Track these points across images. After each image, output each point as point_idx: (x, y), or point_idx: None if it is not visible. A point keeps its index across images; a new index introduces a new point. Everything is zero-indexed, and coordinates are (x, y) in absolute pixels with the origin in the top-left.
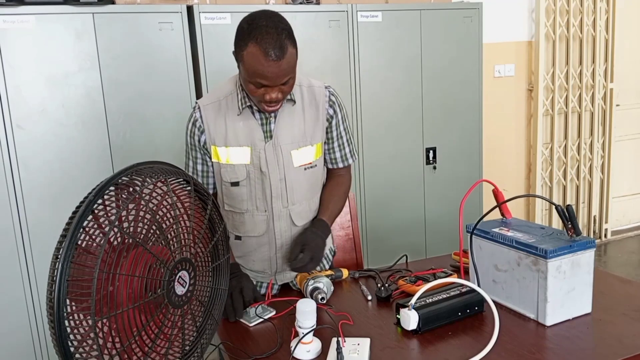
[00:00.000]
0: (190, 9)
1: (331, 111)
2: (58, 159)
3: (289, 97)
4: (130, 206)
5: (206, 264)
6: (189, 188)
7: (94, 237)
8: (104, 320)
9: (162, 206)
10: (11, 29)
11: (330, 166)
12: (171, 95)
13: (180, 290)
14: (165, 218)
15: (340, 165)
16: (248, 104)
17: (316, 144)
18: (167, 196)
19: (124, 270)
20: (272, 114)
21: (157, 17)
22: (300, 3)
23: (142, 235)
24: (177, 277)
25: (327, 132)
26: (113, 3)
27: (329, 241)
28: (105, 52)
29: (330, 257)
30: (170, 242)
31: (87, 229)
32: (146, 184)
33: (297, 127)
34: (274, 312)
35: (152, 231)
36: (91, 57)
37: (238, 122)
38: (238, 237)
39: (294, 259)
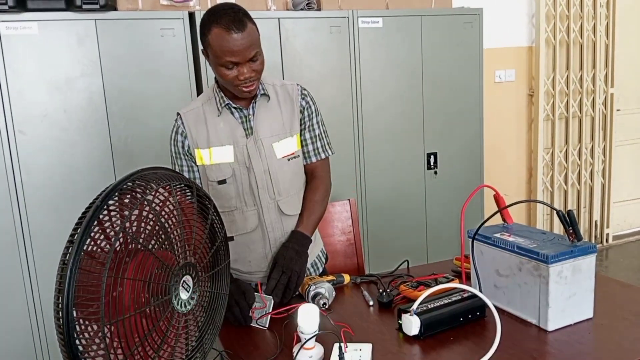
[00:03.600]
0: (191, 15)
1: (304, 102)
2: (60, 163)
3: (263, 92)
4: (135, 211)
5: (207, 269)
6: (190, 193)
7: (98, 242)
8: (109, 326)
9: (166, 211)
10: (14, 35)
11: (305, 162)
12: (173, 101)
13: (184, 295)
14: (169, 223)
15: (314, 159)
16: (226, 102)
17: (296, 134)
18: (170, 201)
19: (128, 275)
20: (250, 111)
21: (159, 23)
22: (302, 9)
23: (146, 240)
24: (182, 281)
25: (300, 124)
26: (115, 9)
27: (318, 246)
28: (107, 58)
29: (323, 259)
30: (175, 246)
31: (91, 235)
32: (149, 189)
33: (276, 120)
34: (270, 299)
35: (157, 236)
36: (93, 63)
37: (219, 123)
38: (230, 238)
39: (272, 285)
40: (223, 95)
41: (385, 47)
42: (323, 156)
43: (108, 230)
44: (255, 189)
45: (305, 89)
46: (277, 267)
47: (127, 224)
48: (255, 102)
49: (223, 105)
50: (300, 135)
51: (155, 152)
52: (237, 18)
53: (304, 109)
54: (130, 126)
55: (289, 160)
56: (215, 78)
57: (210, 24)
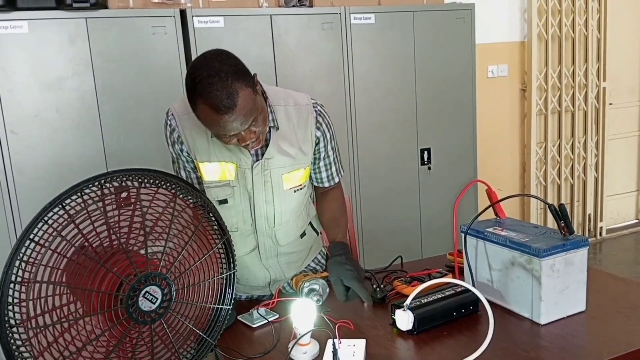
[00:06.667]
0: (183, 13)
1: (318, 133)
2: (52, 163)
3: (272, 124)
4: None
5: (200, 278)
6: (183, 195)
7: (72, 241)
8: (35, 330)
9: (129, 215)
10: (4, 34)
11: (316, 184)
12: (165, 99)
13: (147, 306)
14: (127, 230)
15: (327, 184)
16: None
17: (306, 166)
18: (135, 204)
19: (96, 279)
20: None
21: (150, 21)
22: (293, 5)
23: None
24: (143, 292)
25: (314, 153)
26: (106, 7)
27: (316, 248)
28: (99, 57)
29: (323, 261)
30: (130, 254)
31: (63, 234)
32: (96, 192)
33: (286, 151)
34: (277, 316)
35: (110, 241)
36: (84, 62)
37: None
38: None
39: (346, 298)
40: None
41: (377, 43)
42: (337, 180)
43: (85, 232)
44: (253, 215)
45: (321, 114)
46: (351, 281)
47: (111, 225)
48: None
49: None
50: (314, 163)
51: (148, 151)
52: (226, 91)
53: (318, 140)
54: (123, 125)
55: (295, 191)
56: None
57: (196, 97)
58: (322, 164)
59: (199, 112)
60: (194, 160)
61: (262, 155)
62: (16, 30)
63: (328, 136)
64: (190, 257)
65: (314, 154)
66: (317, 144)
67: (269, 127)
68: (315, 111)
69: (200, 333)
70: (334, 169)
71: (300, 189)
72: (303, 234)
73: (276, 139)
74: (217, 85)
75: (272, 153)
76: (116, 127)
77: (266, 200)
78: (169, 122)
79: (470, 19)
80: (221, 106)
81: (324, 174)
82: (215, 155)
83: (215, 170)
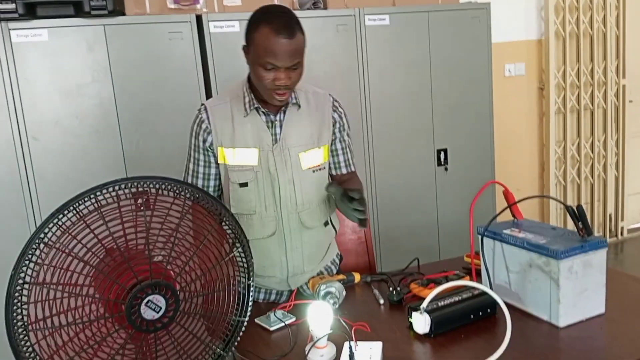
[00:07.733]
0: (199, 18)
1: (335, 116)
2: (73, 169)
3: (294, 101)
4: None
5: (210, 288)
6: (189, 199)
7: (83, 242)
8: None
9: (133, 223)
10: (25, 42)
11: (333, 172)
12: (182, 104)
13: (151, 314)
14: (127, 238)
15: (344, 170)
16: (256, 105)
17: (323, 145)
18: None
19: (104, 284)
20: (279, 118)
21: (166, 27)
22: (308, 8)
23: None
24: (146, 300)
25: (332, 136)
26: (123, 14)
27: (334, 250)
28: (117, 63)
29: (338, 261)
30: (133, 261)
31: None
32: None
33: (304, 130)
34: (294, 319)
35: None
36: (103, 68)
37: (246, 124)
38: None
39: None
40: (253, 97)
41: (392, 44)
42: (353, 168)
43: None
44: (277, 197)
45: (337, 101)
46: (351, 193)
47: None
48: (286, 110)
49: (252, 106)
50: (331, 145)
51: (166, 155)
52: (290, 24)
53: (335, 121)
54: (141, 130)
55: (314, 172)
56: (248, 77)
57: (260, 22)
58: (339, 146)
59: (258, 34)
60: (218, 148)
61: (278, 137)
62: (36, 38)
63: (344, 121)
64: (198, 267)
65: (332, 136)
66: (334, 126)
67: (289, 104)
68: (332, 98)
69: (214, 345)
70: (350, 155)
71: (320, 169)
72: (327, 223)
73: (294, 120)
74: (285, 18)
75: (287, 133)
76: (135, 133)
77: (288, 180)
78: (200, 116)
79: (486, 18)
80: (282, 31)
81: (341, 157)
82: (238, 141)
83: (239, 156)
